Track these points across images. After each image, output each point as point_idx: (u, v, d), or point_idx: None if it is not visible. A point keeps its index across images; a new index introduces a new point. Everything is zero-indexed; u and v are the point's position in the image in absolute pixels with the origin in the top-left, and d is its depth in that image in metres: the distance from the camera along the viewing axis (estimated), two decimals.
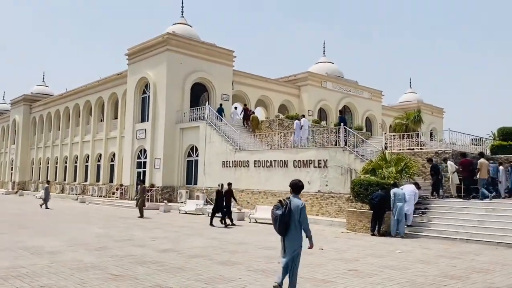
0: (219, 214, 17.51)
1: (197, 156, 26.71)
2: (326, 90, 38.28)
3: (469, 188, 16.28)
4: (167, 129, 27.76)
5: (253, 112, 29.86)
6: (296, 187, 6.56)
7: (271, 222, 17.74)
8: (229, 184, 18.34)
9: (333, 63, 42.13)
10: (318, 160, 19.93)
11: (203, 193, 25.12)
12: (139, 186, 21.39)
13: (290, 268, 6.26)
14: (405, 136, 21.55)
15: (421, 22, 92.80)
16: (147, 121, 29.29)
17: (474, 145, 22.51)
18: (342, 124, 21.55)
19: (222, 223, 17.18)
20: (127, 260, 9.36)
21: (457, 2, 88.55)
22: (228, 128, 25.73)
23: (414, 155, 19.60)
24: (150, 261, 9.31)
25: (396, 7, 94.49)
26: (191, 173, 27.29)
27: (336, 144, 20.72)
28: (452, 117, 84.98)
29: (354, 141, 21.05)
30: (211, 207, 22.26)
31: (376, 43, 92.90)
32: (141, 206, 20.15)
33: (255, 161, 22.83)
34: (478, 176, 16.09)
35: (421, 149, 20.13)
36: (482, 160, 16.46)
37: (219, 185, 18.13)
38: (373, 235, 14.60)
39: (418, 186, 15.32)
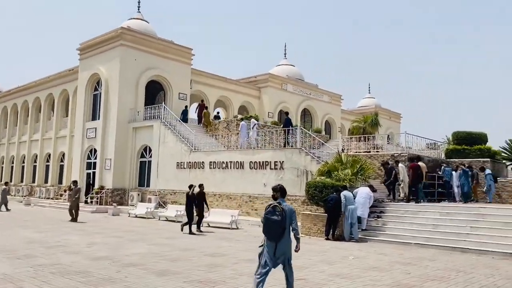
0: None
1: (151, 157, 25.49)
2: (286, 92, 37.90)
3: (417, 191, 16.16)
4: (119, 128, 26.34)
5: (206, 108, 29.08)
6: (284, 191, 6.49)
7: (224, 226, 16.54)
8: (201, 186, 16.15)
9: (294, 66, 41.86)
10: (275, 162, 19.29)
11: (156, 195, 23.93)
12: (73, 187, 19.56)
13: (289, 273, 6.42)
14: (362, 138, 21.31)
15: (380, 27, 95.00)
16: (98, 119, 27.73)
17: (430, 149, 22.62)
18: (289, 125, 21.12)
19: (197, 228, 15.69)
20: (49, 270, 8.25)
21: (416, 9, 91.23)
22: (183, 128, 24.69)
23: (370, 158, 19.36)
24: (76, 272, 8.24)
25: (357, 13, 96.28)
26: (144, 175, 26.00)
27: (285, 145, 20.05)
28: (409, 123, 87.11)
29: (311, 143, 20.55)
30: (163, 210, 21.25)
31: (337, 47, 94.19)
32: (75, 209, 18.63)
33: (210, 162, 21.93)
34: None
35: (377, 151, 19.93)
36: (420, 163, 16.53)
37: (189, 187, 16.08)
38: (327, 239, 14.05)
39: (373, 189, 14.94)
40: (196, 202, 15.63)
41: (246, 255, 10.73)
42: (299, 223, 16.07)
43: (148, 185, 25.28)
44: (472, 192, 18.06)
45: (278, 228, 6.10)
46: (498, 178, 19.57)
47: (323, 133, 36.15)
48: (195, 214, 15.62)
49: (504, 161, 21.47)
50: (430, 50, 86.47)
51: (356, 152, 20.93)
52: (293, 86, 38.73)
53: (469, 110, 79.83)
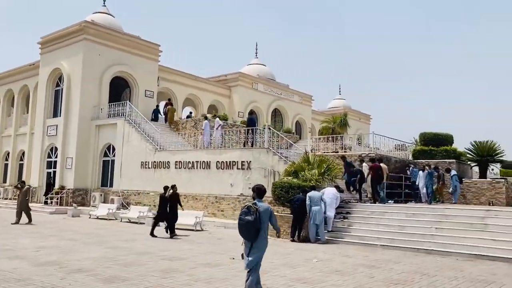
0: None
1: (114, 156, 24.57)
2: (257, 92, 37.54)
3: (378, 192, 16.14)
4: (81, 126, 25.27)
5: (171, 104, 28.44)
6: (260, 191, 6.46)
7: (188, 228, 15.86)
8: (174, 187, 15.28)
9: (265, 66, 41.57)
10: (242, 162, 18.84)
11: (119, 196, 23.06)
12: (21, 187, 18.23)
13: (255, 269, 6.31)
14: (330, 139, 21.16)
15: (352, 29, 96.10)
16: (60, 116, 26.55)
17: (398, 150, 22.69)
18: (253, 125, 20.74)
19: (167, 232, 14.82)
20: None
21: (386, 11, 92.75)
22: (148, 126, 23.92)
23: (338, 158, 19.18)
24: (16, 279, 7.53)
25: (327, 13, 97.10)
26: (107, 175, 25.03)
27: (252, 145, 19.57)
28: (378, 125, 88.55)
29: (279, 143, 20.19)
30: (126, 211, 20.43)
31: (309, 48, 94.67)
32: (27, 210, 17.53)
33: (176, 162, 21.27)
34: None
35: (345, 151, 19.78)
36: (382, 164, 16.53)
37: (165, 189, 15.21)
38: (293, 240, 13.71)
39: (339, 189, 14.71)
40: (169, 204, 14.83)
41: (206, 258, 10.23)
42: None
43: (111, 185, 24.35)
44: (438, 193, 18.15)
45: (251, 228, 6.06)
46: (463, 179, 19.80)
47: (294, 133, 36.02)
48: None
49: (469, 162, 21.75)
50: (402, 52, 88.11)
51: (324, 152, 20.75)
52: (264, 85, 38.41)
53: (437, 112, 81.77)
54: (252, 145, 19.14)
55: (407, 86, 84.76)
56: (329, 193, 14.24)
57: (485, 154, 20.04)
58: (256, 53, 42.27)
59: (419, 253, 11.80)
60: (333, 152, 20.27)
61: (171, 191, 15.11)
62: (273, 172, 17.68)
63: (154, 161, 22.20)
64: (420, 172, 17.84)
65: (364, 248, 12.56)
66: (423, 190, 17.58)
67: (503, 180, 19.06)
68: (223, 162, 19.45)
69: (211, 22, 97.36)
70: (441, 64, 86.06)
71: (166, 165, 21.64)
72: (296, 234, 13.79)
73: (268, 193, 16.71)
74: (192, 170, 20.61)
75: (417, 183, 17.84)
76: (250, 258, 6.19)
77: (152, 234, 14.46)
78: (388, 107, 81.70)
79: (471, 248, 11.42)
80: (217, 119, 22.98)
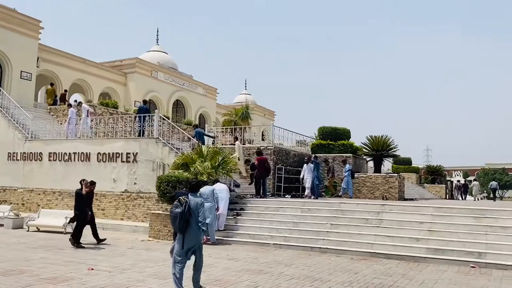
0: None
1: None
2: (157, 80, 34.99)
3: (264, 186, 15.22)
4: None
5: (52, 84, 25.18)
6: (192, 185, 6.92)
7: (56, 230, 13.49)
8: (92, 184, 12.22)
9: (166, 53, 39.11)
10: (127, 153, 16.60)
11: None
12: None
13: (198, 262, 6.63)
14: (228, 130, 19.83)
15: (260, 26, 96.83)
16: None
17: (300, 145, 22.06)
18: (156, 111, 18.64)
19: (95, 237, 12.06)
20: None
21: (292, 8, 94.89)
22: (18, 111, 20.40)
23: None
24: None
25: (236, 9, 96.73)
26: None
27: (141, 135, 17.38)
28: (283, 120, 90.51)
29: (176, 135, 18.19)
30: None
31: (218, 43, 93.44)
32: None
33: (50, 153, 18.25)
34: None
35: (244, 144, 18.55)
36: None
37: (81, 183, 12.08)
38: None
39: (235, 184, 13.30)
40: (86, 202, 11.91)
41: (55, 270, 8.07)
42: (146, 224, 13.85)
43: None
44: (328, 187, 17.70)
45: (180, 220, 6.26)
46: (359, 174, 19.74)
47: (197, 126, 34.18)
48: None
49: (364, 157, 21.88)
50: (308, 50, 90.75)
51: (223, 144, 19.35)
52: (165, 74, 35.99)
53: (336, 109, 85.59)
54: (140, 135, 16.95)
55: (311, 85, 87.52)
56: (221, 188, 12.78)
57: (379, 149, 20.19)
58: (157, 39, 39.66)
59: (314, 252, 10.84)
60: (231, 144, 18.93)
61: (86, 188, 11.98)
62: (163, 165, 15.75)
63: (24, 152, 18.91)
64: (304, 165, 16.41)
65: (256, 248, 11.30)
66: (307, 184, 16.13)
67: (395, 174, 19.30)
68: (106, 154, 17.01)
69: (108, 4, 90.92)
70: (343, 63, 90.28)
71: (39, 157, 18.51)
72: None
73: (154, 189, 14.89)
74: (69, 163, 17.81)
75: (301, 176, 16.74)
76: (188, 250, 6.44)
77: (77, 243, 11.38)
78: (293, 104, 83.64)
79: (366, 246, 10.72)
80: (84, 105, 20.09)
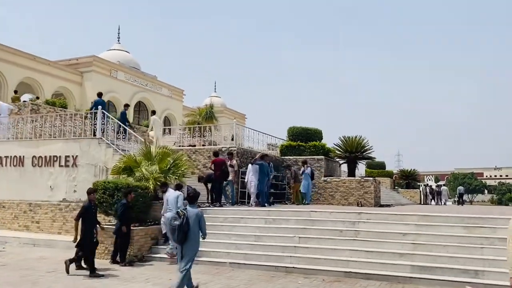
0: None
1: None
2: (116, 80, 32.62)
3: (219, 191, 13.29)
4: None
5: (16, 91, 22.45)
6: (190, 198, 6.99)
7: None
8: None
9: (128, 52, 36.79)
10: (66, 157, 14.33)
11: None
12: None
13: (186, 270, 6.61)
14: (191, 130, 17.85)
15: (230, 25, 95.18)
16: None
17: (271, 148, 20.16)
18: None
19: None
20: None
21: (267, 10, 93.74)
22: None
23: (195, 153, 15.90)
24: None
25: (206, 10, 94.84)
26: None
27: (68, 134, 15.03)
28: (254, 124, 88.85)
29: (116, 134, 15.91)
30: None
31: (186, 44, 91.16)
32: None
33: None
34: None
35: (203, 145, 16.55)
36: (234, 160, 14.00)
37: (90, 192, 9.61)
38: (114, 262, 9.86)
39: (179, 188, 11.19)
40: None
41: None
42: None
43: None
44: (291, 193, 15.94)
45: (179, 232, 6.44)
46: (331, 178, 18.07)
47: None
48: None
49: (337, 160, 20.22)
50: (279, 53, 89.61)
51: (180, 146, 17.30)
52: (126, 74, 33.67)
53: (308, 111, 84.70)
54: (84, 135, 14.65)
55: (281, 88, 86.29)
56: (171, 196, 10.77)
57: (353, 150, 18.56)
58: (119, 37, 37.25)
59: (278, 273, 8.94)
60: (189, 145, 16.90)
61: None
62: (106, 169, 13.54)
63: None
64: (249, 165, 13.98)
65: (209, 268, 9.30)
66: (251, 189, 13.64)
67: (371, 179, 17.68)
68: (42, 158, 14.68)
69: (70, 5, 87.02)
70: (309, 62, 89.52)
71: None
72: (119, 254, 9.96)
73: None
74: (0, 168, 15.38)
75: (245, 180, 14.23)
76: (183, 263, 6.58)
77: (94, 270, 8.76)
78: (263, 108, 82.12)
79: (341, 264, 8.90)
80: (2, 103, 17.68)
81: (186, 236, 6.45)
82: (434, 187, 43.75)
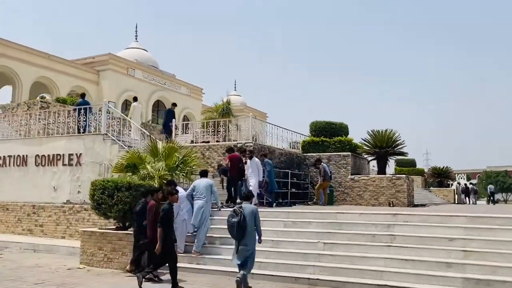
0: None
1: None
2: (134, 79, 31.78)
3: (235, 191, 11.77)
4: None
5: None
6: (246, 196, 7.35)
7: None
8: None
9: (146, 51, 35.96)
10: (69, 155, 13.33)
11: None
12: None
13: (249, 266, 7.01)
14: (206, 128, 16.64)
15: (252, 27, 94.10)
16: None
17: (293, 147, 18.69)
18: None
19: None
20: None
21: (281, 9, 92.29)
22: None
23: (208, 150, 14.64)
24: None
25: (227, 13, 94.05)
26: None
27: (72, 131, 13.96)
28: (277, 123, 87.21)
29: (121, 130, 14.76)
30: None
31: (209, 45, 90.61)
32: None
33: None
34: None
35: (217, 141, 15.27)
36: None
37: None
38: (130, 271, 8.55)
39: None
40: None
41: None
42: (78, 244, 10.50)
43: None
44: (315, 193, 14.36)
45: (238, 228, 6.77)
46: (358, 175, 16.52)
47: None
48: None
49: (366, 156, 18.59)
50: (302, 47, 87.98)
51: (193, 142, 16.09)
52: (144, 72, 32.81)
53: (334, 109, 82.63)
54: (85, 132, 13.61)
55: (305, 86, 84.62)
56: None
57: (384, 145, 16.92)
58: (136, 36, 36.48)
59: (299, 285, 7.54)
60: (203, 142, 15.66)
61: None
62: (112, 168, 12.43)
63: None
64: (248, 160, 12.11)
65: (219, 279, 8.00)
66: (251, 187, 11.55)
67: (403, 176, 16.00)
68: (45, 157, 13.74)
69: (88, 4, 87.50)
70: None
71: None
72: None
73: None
74: (3, 169, 14.51)
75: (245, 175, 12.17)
76: (239, 260, 6.91)
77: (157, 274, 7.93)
78: (287, 106, 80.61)
79: (374, 275, 7.42)
80: None
81: (244, 232, 6.75)
82: (468, 185, 41.50)
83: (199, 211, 9.30)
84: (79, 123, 13.19)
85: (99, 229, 9.85)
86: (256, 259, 8.47)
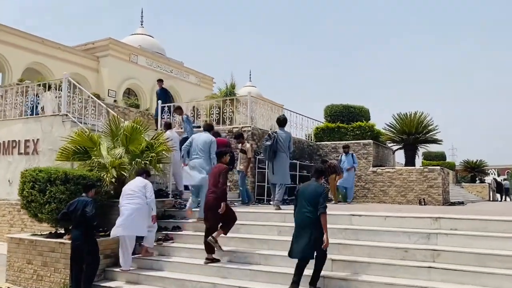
0: None
1: None
2: (137, 66, 29.46)
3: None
4: None
5: None
6: (280, 121, 8.34)
7: None
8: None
9: (152, 37, 33.64)
10: (26, 141, 10.95)
11: None
12: None
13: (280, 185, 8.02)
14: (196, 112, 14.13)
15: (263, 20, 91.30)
16: None
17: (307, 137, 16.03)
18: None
19: None
20: None
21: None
22: None
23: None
24: None
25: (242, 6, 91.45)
26: None
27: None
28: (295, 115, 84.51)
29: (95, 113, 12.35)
30: None
31: (225, 35, 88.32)
32: None
33: None
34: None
35: (219, 125, 12.65)
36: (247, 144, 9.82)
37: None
38: None
39: (148, 175, 7.41)
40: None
41: None
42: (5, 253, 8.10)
43: None
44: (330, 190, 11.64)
45: (270, 151, 7.93)
46: (381, 168, 13.72)
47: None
48: None
49: (391, 145, 15.70)
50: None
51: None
52: (148, 59, 30.45)
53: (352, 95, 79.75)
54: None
55: (313, 73, 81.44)
56: (134, 185, 7.03)
57: (412, 132, 14.03)
58: (142, 21, 34.17)
59: None
60: (194, 127, 13.11)
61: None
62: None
63: None
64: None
65: None
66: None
67: (437, 168, 13.07)
68: (0, 144, 11.43)
69: None
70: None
71: None
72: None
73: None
74: None
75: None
76: (275, 175, 8.00)
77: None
78: (303, 94, 77.61)
79: None
80: None
81: (275, 154, 7.85)
82: (501, 181, 38.15)
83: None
84: (26, 103, 10.81)
85: (31, 235, 7.41)
86: (234, 282, 5.94)
